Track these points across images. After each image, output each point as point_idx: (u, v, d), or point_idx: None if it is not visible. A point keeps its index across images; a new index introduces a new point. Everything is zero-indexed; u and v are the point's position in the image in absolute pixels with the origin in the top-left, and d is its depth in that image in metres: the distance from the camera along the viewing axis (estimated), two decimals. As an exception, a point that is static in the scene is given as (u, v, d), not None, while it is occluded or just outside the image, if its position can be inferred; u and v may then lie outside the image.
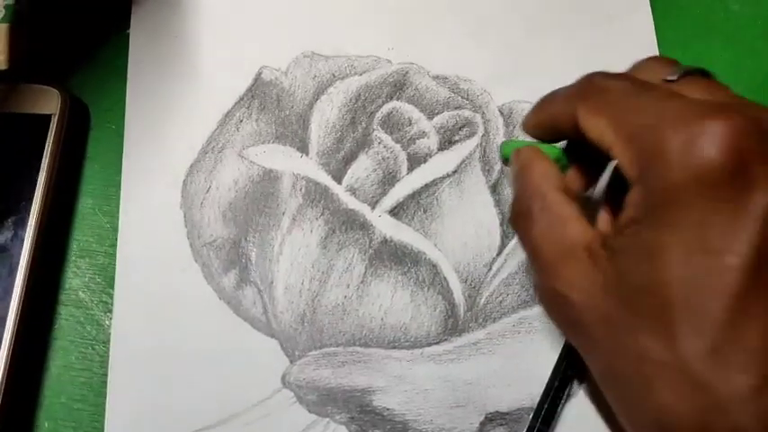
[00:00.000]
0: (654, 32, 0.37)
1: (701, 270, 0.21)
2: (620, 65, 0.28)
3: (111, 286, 0.32)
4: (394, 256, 0.33)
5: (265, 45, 0.36)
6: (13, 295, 0.30)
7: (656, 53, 0.36)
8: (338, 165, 0.34)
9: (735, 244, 0.21)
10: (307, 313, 0.32)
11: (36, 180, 0.32)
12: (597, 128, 0.25)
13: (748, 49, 0.37)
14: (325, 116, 0.35)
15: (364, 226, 0.33)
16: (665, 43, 0.37)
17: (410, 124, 0.35)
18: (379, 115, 0.35)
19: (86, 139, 0.35)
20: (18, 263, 0.30)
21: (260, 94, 0.36)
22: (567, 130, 0.27)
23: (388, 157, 0.34)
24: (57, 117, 0.33)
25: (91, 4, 0.37)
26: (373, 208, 0.34)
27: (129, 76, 0.35)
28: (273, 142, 0.35)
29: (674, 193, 0.21)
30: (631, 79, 0.25)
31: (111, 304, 0.32)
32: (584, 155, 0.27)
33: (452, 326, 0.32)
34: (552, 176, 0.27)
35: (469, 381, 0.31)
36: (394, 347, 0.31)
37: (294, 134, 0.35)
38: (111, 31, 0.37)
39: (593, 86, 0.26)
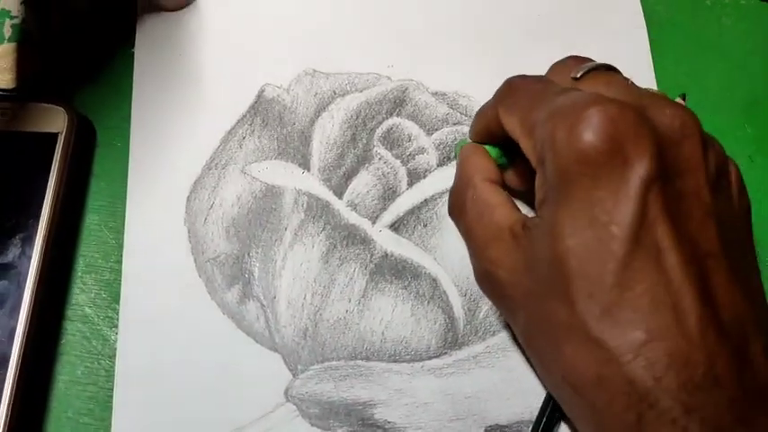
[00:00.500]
0: (648, 49, 0.37)
1: (591, 240, 0.23)
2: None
3: (117, 301, 0.32)
4: (394, 271, 0.33)
5: (267, 62, 0.37)
6: (22, 311, 0.30)
7: (651, 68, 0.37)
8: (339, 180, 0.35)
9: (617, 215, 0.23)
10: (309, 328, 0.32)
11: (43, 198, 0.32)
12: (510, 124, 0.28)
13: (740, 65, 0.38)
14: (327, 132, 0.36)
15: (365, 241, 0.34)
16: (660, 59, 0.37)
17: (410, 140, 0.36)
18: (379, 131, 0.36)
19: (92, 156, 0.35)
20: (26, 279, 0.31)
21: (262, 111, 0.36)
22: (497, 132, 0.29)
23: (388, 173, 0.35)
24: (63, 135, 0.34)
25: (97, 23, 0.38)
26: (374, 223, 0.34)
27: (134, 94, 0.36)
28: (276, 158, 0.35)
29: (563, 174, 0.24)
30: (541, 80, 0.29)
31: (117, 319, 0.32)
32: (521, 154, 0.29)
33: (452, 339, 0.32)
34: (484, 168, 0.30)
35: (469, 394, 0.31)
36: (395, 361, 0.32)
37: (296, 150, 0.35)
38: (116, 49, 0.37)
39: (509, 88, 0.29)
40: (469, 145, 0.32)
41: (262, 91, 0.37)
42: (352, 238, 0.34)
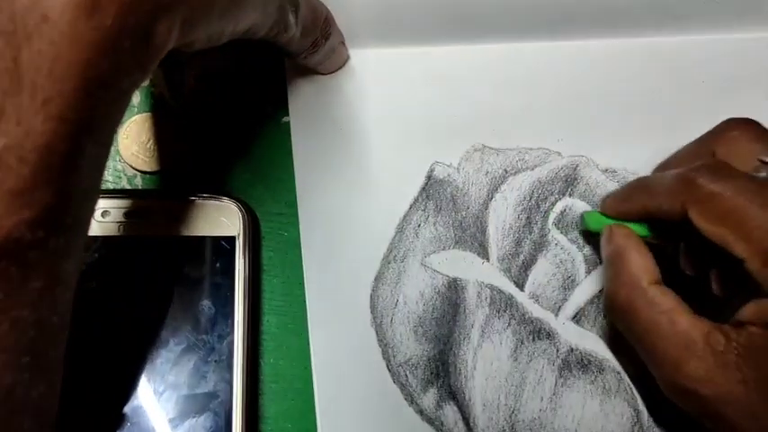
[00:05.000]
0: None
1: None
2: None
3: (312, 412, 0.31)
4: (580, 365, 0.34)
5: (434, 136, 0.35)
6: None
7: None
8: (519, 270, 0.34)
9: None
10: (506, 429, 0.33)
11: (231, 315, 0.30)
12: (721, 235, 0.26)
13: None
14: (501, 217, 0.34)
15: (550, 335, 0.34)
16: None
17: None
18: (553, 215, 0.35)
19: (260, 250, 0.33)
20: (231, 409, 0.29)
21: (434, 194, 0.34)
22: (666, 220, 0.28)
23: (565, 260, 0.34)
24: (241, 238, 0.31)
25: (239, 85, 0.34)
26: (556, 315, 0.34)
27: (297, 175, 0.33)
28: (454, 248, 0.34)
29: None
30: (738, 179, 0.26)
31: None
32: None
33: (642, 434, 0.34)
34: (647, 268, 0.29)
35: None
36: (591, 460, 0.33)
37: (473, 238, 0.34)
38: (265, 118, 0.34)
39: (700, 190, 0.27)
40: (622, 232, 0.30)
41: (432, 170, 0.34)
42: (538, 332, 0.34)
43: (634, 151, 0.36)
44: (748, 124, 0.30)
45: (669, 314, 0.27)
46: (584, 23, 0.36)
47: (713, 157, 0.29)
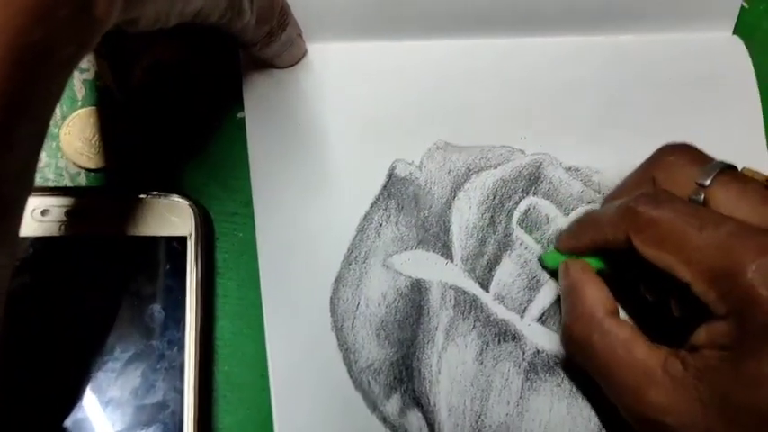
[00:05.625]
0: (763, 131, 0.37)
1: None
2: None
3: (269, 424, 0.30)
4: (547, 367, 0.33)
5: (395, 136, 0.34)
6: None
7: (764, 140, 0.37)
8: (483, 270, 0.33)
9: None
10: (472, 435, 0.32)
11: (183, 321, 0.28)
12: (664, 261, 0.26)
13: None
14: (465, 216, 0.34)
15: (516, 336, 0.33)
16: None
17: (548, 222, 0.34)
18: (517, 214, 0.34)
19: (214, 252, 0.31)
20: (181, 420, 0.27)
21: (396, 193, 0.33)
22: (614, 250, 0.28)
23: (530, 260, 0.34)
24: (193, 238, 0.29)
25: (190, 79, 0.32)
26: (522, 316, 0.33)
27: (252, 174, 0.32)
28: (416, 248, 0.33)
29: None
30: (675, 203, 0.27)
31: (273, 444, 0.30)
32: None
33: (610, 438, 0.33)
34: (603, 300, 0.29)
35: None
36: (558, 464, 0.32)
37: (436, 238, 0.33)
38: (220, 113, 0.32)
39: (641, 218, 0.27)
40: (575, 265, 0.30)
41: (393, 168, 0.33)
42: (504, 334, 0.33)
43: (597, 149, 0.35)
44: (684, 149, 0.30)
45: (626, 344, 0.27)
46: (547, 20, 0.35)
47: (653, 185, 0.30)
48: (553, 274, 0.33)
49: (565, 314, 0.30)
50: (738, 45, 0.37)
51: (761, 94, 0.37)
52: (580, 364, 0.30)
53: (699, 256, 0.25)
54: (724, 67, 0.37)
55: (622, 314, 0.32)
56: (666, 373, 0.26)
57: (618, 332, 0.28)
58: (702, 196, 0.28)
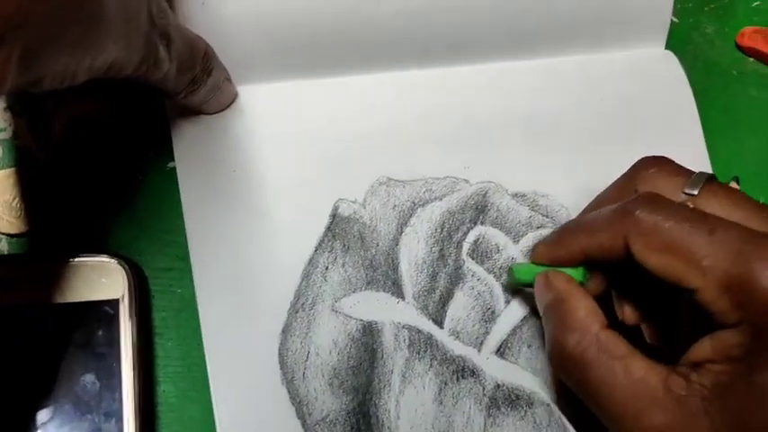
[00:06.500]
0: (702, 139, 0.37)
1: None
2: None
3: (222, 490, 0.28)
4: (508, 401, 0.32)
5: (335, 174, 0.33)
6: None
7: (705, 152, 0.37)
8: (436, 306, 0.32)
9: None
10: (437, 480, 0.30)
11: (118, 388, 0.26)
12: (669, 267, 0.25)
13: None
14: (413, 252, 0.33)
15: (475, 372, 0.32)
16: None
17: (498, 251, 0.33)
18: (466, 245, 0.33)
19: (150, 311, 0.29)
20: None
21: (341, 233, 0.32)
22: (607, 261, 0.27)
23: (483, 291, 0.33)
24: (126, 300, 0.27)
25: (115, 131, 0.31)
26: (479, 350, 0.32)
27: (187, 226, 0.30)
28: (366, 289, 0.32)
29: None
30: (678, 208, 0.25)
31: None
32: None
33: (578, 469, 0.32)
34: (598, 313, 0.27)
35: None
36: (529, 502, 0.31)
37: (385, 276, 0.32)
38: (147, 165, 0.31)
39: (642, 222, 0.25)
40: (561, 279, 0.29)
41: (336, 208, 0.32)
42: (462, 371, 0.32)
43: (542, 173, 0.35)
44: (665, 160, 0.29)
45: (624, 361, 0.25)
46: (481, 47, 0.35)
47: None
48: (516, 292, 0.32)
49: (553, 330, 0.28)
50: (672, 59, 0.37)
51: (698, 106, 0.37)
52: (571, 384, 0.27)
53: (710, 262, 0.23)
54: (660, 83, 0.37)
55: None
56: (669, 393, 0.24)
57: (615, 347, 0.25)
58: (692, 206, 0.26)
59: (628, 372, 0.25)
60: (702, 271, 0.24)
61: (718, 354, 0.24)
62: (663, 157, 0.29)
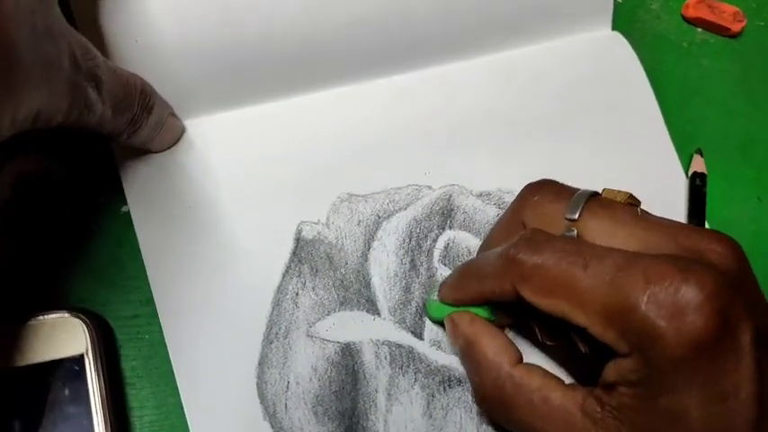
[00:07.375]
0: (657, 107, 0.37)
1: (722, 414, 0.23)
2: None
3: None
4: (499, 405, 0.31)
5: (294, 197, 0.32)
6: None
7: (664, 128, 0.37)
8: (413, 318, 0.31)
9: (741, 381, 0.23)
10: (435, 496, 0.29)
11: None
12: (556, 308, 0.25)
13: (725, 106, 0.39)
14: (384, 266, 0.32)
15: (461, 380, 0.31)
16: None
17: (469, 254, 0.33)
18: (437, 251, 0.33)
19: (119, 362, 0.28)
20: None
21: (307, 256, 0.31)
22: (502, 301, 0.27)
23: (460, 297, 0.32)
24: (90, 354, 0.26)
25: (63, 183, 0.30)
26: (463, 357, 0.31)
27: (148, 269, 0.29)
28: (339, 310, 0.31)
29: (678, 362, 0.23)
30: (555, 243, 0.25)
31: None
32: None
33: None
34: (507, 349, 0.28)
35: None
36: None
37: (358, 294, 0.31)
38: (100, 211, 0.30)
39: (524, 266, 0.25)
40: (464, 319, 0.29)
41: (299, 232, 0.32)
42: (448, 381, 0.31)
43: (504, 169, 0.34)
44: (546, 185, 0.29)
45: (540, 392, 0.26)
46: (427, 52, 0.35)
47: (525, 228, 0.28)
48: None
49: (470, 374, 0.29)
50: (620, 40, 0.37)
51: (652, 82, 0.37)
52: (501, 422, 0.28)
53: (589, 298, 0.24)
54: (610, 64, 0.36)
55: (535, 358, 0.30)
56: (586, 416, 0.25)
57: (529, 381, 0.26)
58: (575, 231, 0.26)
59: (546, 401, 0.26)
60: (584, 308, 0.24)
61: (621, 378, 0.24)
62: (545, 181, 0.29)
